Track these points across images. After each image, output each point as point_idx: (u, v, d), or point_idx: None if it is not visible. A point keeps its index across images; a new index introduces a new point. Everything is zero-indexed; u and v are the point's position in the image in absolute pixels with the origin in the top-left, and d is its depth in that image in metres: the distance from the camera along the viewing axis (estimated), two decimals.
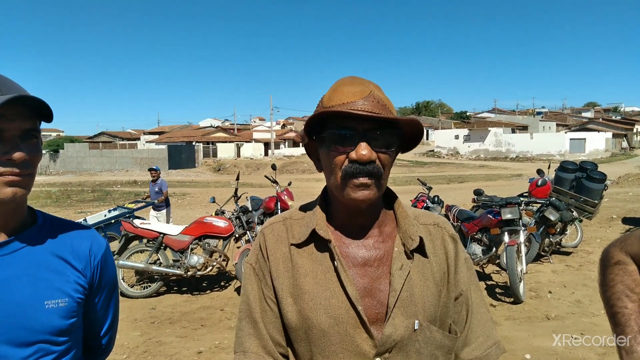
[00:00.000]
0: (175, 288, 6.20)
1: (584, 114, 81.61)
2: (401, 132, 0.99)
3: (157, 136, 60.31)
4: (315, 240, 1.01)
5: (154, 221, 7.90)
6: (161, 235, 5.92)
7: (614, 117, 69.22)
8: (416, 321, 0.95)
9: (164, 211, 9.16)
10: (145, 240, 6.12)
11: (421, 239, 1.01)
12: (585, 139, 44.75)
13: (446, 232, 1.08)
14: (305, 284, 0.98)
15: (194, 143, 46.25)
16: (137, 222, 6.03)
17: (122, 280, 5.87)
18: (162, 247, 5.97)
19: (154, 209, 9.04)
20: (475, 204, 7.42)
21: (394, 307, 0.94)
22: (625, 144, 52.60)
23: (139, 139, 62.17)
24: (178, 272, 5.80)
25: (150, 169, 9.45)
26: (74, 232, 1.11)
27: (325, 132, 0.96)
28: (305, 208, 1.11)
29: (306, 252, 1.02)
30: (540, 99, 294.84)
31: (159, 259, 5.92)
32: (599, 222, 9.86)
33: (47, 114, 1.00)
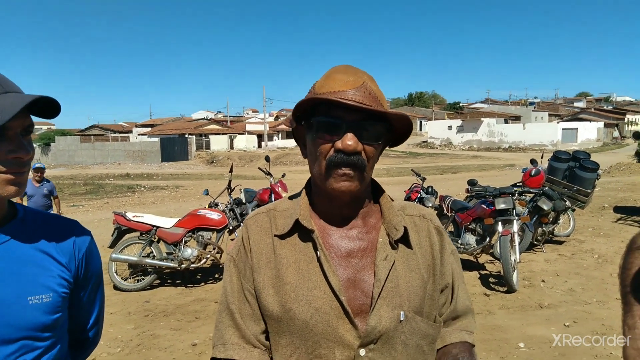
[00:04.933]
0: (169, 281, 6.17)
1: (576, 104, 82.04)
2: (390, 126, 0.98)
3: (149, 129, 59.87)
4: (299, 230, 1.00)
5: None
6: (154, 228, 5.88)
7: (605, 107, 69.59)
8: (402, 312, 0.95)
9: None
10: (138, 233, 6.07)
11: (405, 229, 1.00)
12: (577, 128, 45.00)
13: (432, 223, 1.08)
14: (288, 275, 0.97)
15: (186, 135, 45.95)
16: (129, 214, 5.97)
17: (115, 274, 5.83)
18: (155, 240, 5.93)
19: None
20: (468, 194, 7.44)
21: (378, 298, 0.94)
22: (616, 133, 52.95)
23: (131, 131, 61.64)
24: (172, 264, 5.77)
25: (36, 169, 7.34)
26: (57, 225, 1.08)
27: (313, 119, 0.95)
28: (290, 199, 1.10)
29: (289, 243, 1.01)
30: (532, 89, 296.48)
31: (152, 252, 5.88)
32: (591, 211, 9.93)
33: (41, 110, 0.98)
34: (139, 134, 54.82)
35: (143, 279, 5.87)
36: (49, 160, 44.44)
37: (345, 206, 1.00)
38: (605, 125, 48.26)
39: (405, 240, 1.00)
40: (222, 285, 1.08)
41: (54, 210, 7.53)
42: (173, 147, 41.44)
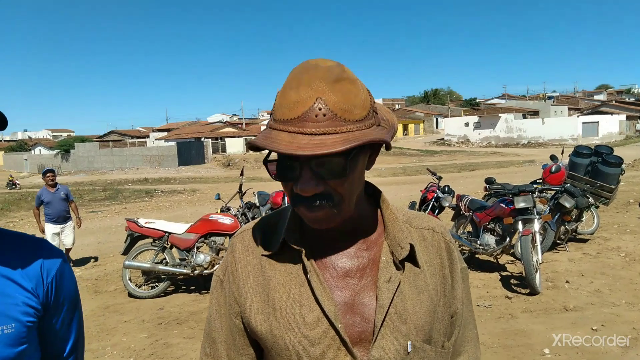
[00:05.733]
0: (183, 287, 6.12)
1: (596, 97, 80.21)
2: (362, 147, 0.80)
3: (166, 133, 60.60)
4: (288, 249, 0.88)
5: (54, 239, 7.17)
6: (166, 234, 5.84)
7: (627, 99, 67.92)
8: (409, 342, 0.83)
9: (68, 226, 7.48)
10: (151, 240, 6.03)
11: (412, 246, 0.87)
12: (598, 122, 43.93)
13: (442, 238, 0.94)
14: (278, 300, 0.86)
15: (202, 139, 46.30)
16: (141, 221, 5.94)
17: (129, 281, 5.80)
18: (168, 246, 5.88)
19: (53, 222, 7.30)
20: (487, 193, 7.23)
21: (381, 327, 0.81)
22: (639, 125, 51.54)
23: (148, 136, 62.50)
24: (185, 271, 5.71)
25: (46, 172, 7.45)
26: (22, 246, 0.98)
27: (265, 160, 0.83)
28: (282, 212, 0.97)
29: (279, 263, 0.89)
30: (551, 83, 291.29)
31: (165, 259, 5.84)
32: (616, 207, 9.60)
33: None
34: (156, 139, 55.52)
35: (157, 286, 5.83)
36: (69, 166, 45.22)
37: (334, 229, 0.87)
38: (628, 117, 46.99)
39: (411, 258, 0.88)
40: (208, 310, 0.98)
41: (72, 216, 7.56)
42: (189, 151, 41.78)
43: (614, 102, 60.19)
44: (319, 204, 0.79)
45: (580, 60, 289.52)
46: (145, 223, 5.90)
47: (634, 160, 19.93)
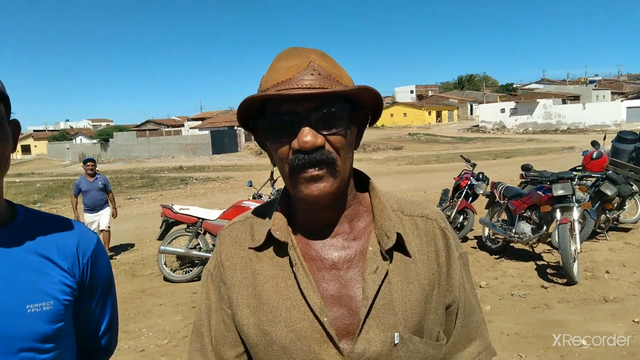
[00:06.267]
0: None
1: None
2: (357, 104, 0.84)
3: (200, 122, 61.67)
4: (275, 242, 0.87)
5: (91, 227, 7.19)
6: (200, 220, 5.96)
7: None
8: (396, 334, 0.80)
9: (104, 210, 7.54)
10: (185, 226, 6.18)
11: (399, 235, 0.84)
12: None
13: (436, 225, 0.91)
14: (265, 293, 0.85)
15: (235, 127, 46.86)
16: (176, 207, 6.09)
17: (164, 265, 5.97)
18: (201, 232, 6.01)
19: (90, 212, 7.42)
20: (523, 180, 7.03)
21: (366, 318, 0.80)
22: None
23: (183, 125, 63.81)
24: None
25: (86, 160, 7.57)
26: (60, 228, 1.01)
27: (261, 122, 0.83)
28: (271, 204, 0.96)
29: (266, 256, 0.88)
30: (593, 66, 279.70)
31: (199, 244, 5.97)
32: None
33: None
34: (190, 128, 56.58)
35: (191, 270, 5.98)
36: (107, 155, 46.77)
37: (326, 209, 0.86)
38: None
39: (401, 247, 0.85)
40: (197, 302, 0.97)
41: (110, 206, 7.73)
42: (223, 140, 42.41)
43: None
44: (318, 171, 0.78)
45: (625, 42, 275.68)
46: (180, 209, 6.04)
47: None
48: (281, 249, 0.86)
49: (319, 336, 0.80)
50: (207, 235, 6.05)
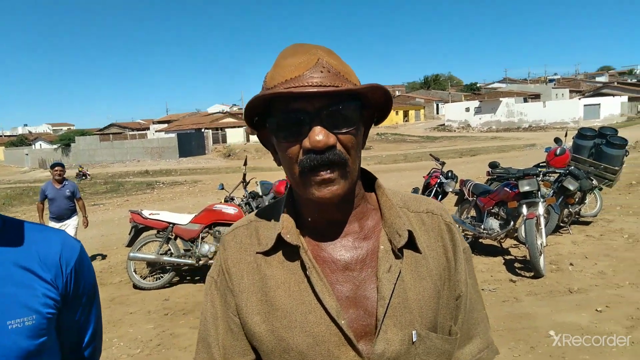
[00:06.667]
0: (187, 278, 6.15)
1: (598, 79, 79.63)
2: (364, 103, 0.82)
3: (166, 125, 60.54)
4: (284, 246, 0.84)
5: None
6: (171, 225, 5.84)
7: (629, 80, 67.41)
8: (414, 331, 0.80)
9: (72, 220, 7.04)
10: (155, 231, 6.04)
11: (410, 233, 0.84)
12: (599, 104, 43.69)
13: (442, 220, 0.91)
14: (277, 299, 0.82)
15: (203, 130, 46.23)
16: (145, 212, 5.95)
17: (134, 273, 5.83)
18: (172, 237, 5.90)
19: (56, 221, 6.89)
20: (490, 177, 7.21)
21: (384, 319, 0.79)
22: None
23: (148, 128, 62.42)
24: (190, 261, 5.73)
25: (54, 165, 7.12)
26: (41, 237, 0.96)
27: (269, 120, 0.80)
28: (274, 206, 0.94)
29: (275, 260, 0.85)
30: (552, 65, 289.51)
31: (170, 249, 5.85)
32: (618, 189, 9.57)
33: None
34: (156, 131, 55.43)
35: (162, 277, 5.85)
36: (69, 160, 45.21)
37: (336, 210, 0.84)
38: (630, 99, 46.67)
39: (411, 244, 0.85)
40: (201, 311, 0.93)
41: (79, 214, 7.35)
42: (190, 142, 41.75)
43: (615, 84, 59.74)
44: (330, 174, 0.77)
45: (582, 42, 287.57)
46: (150, 214, 5.90)
47: (635, 141, 19.83)
48: (292, 252, 0.84)
49: (337, 339, 0.79)
50: (178, 240, 5.94)
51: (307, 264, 0.81)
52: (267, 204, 5.18)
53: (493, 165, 7.02)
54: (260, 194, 7.05)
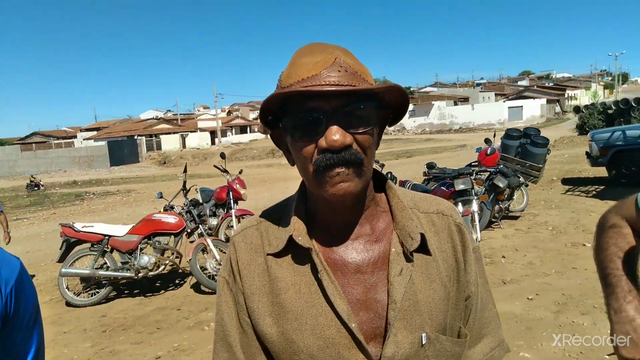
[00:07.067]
0: (126, 292, 5.87)
1: (519, 83, 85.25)
2: (381, 103, 0.81)
3: (95, 132, 57.61)
4: (295, 247, 0.83)
5: None
6: (106, 237, 5.55)
7: (547, 84, 72.77)
8: (423, 334, 0.80)
9: None
10: (89, 245, 5.71)
11: (423, 236, 0.84)
12: (522, 106, 46.76)
13: (452, 221, 0.91)
14: (287, 301, 0.82)
15: (136, 137, 44.42)
16: (78, 225, 5.61)
17: (66, 290, 5.48)
18: (108, 250, 5.61)
19: None
20: (427, 177, 7.50)
21: (395, 322, 0.79)
22: (558, 108, 55.43)
23: (75, 136, 59.04)
24: (128, 274, 5.47)
25: None
26: None
27: (285, 119, 0.79)
28: (283, 205, 0.93)
29: (286, 262, 0.85)
30: (478, 70, 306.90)
31: (105, 263, 5.56)
32: (541, 184, 10.28)
33: None
34: (84, 139, 52.63)
35: (98, 292, 5.55)
36: None
37: (348, 211, 0.84)
38: (548, 101, 50.38)
39: (423, 246, 0.84)
40: (216, 312, 0.92)
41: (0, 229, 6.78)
42: (122, 150, 39.95)
43: (535, 87, 64.31)
44: (345, 170, 0.76)
45: (505, 48, 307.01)
46: (82, 227, 5.57)
47: (554, 140, 21.44)
48: (303, 254, 0.83)
49: (347, 342, 0.79)
50: (115, 253, 5.66)
51: (319, 266, 0.81)
52: (208, 211, 5.06)
53: (430, 165, 7.32)
54: (201, 201, 6.89)
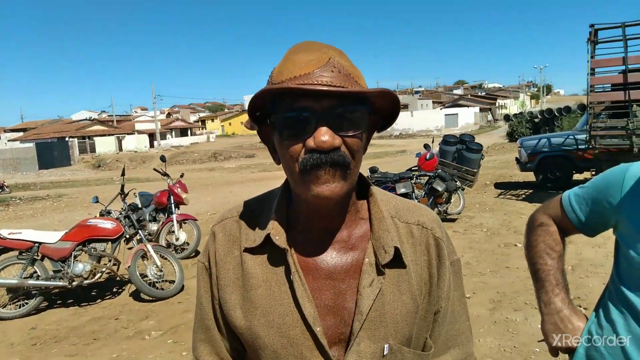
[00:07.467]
0: (59, 302, 5.53)
1: (455, 91, 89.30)
2: (372, 107, 0.80)
3: (21, 133, 53.92)
4: (271, 246, 0.83)
5: None
6: (36, 244, 5.20)
7: (479, 93, 76.73)
8: (386, 345, 0.81)
9: None
10: (17, 252, 5.32)
11: (397, 250, 0.83)
12: (457, 114, 49.09)
13: (432, 234, 0.89)
14: (258, 297, 0.83)
15: (67, 139, 42.02)
16: (4, 232, 5.22)
17: None
18: (38, 258, 5.26)
19: None
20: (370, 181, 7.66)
21: (359, 331, 0.80)
22: (490, 117, 58.60)
23: None
24: (61, 283, 5.16)
25: None
26: None
27: (274, 117, 0.77)
28: (265, 199, 0.92)
29: (261, 259, 0.85)
30: (417, 78, 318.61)
31: (35, 272, 5.21)
32: (476, 188, 10.83)
33: None
34: (9, 140, 49.04)
35: (27, 303, 5.18)
36: None
37: (328, 215, 0.83)
38: (480, 109, 53.26)
39: (397, 259, 0.83)
40: (196, 296, 0.94)
41: None
42: (52, 152, 37.62)
43: (469, 96, 67.64)
44: (331, 171, 0.75)
45: (441, 59, 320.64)
46: (9, 234, 5.19)
47: (487, 147, 22.65)
48: (278, 254, 0.83)
49: (310, 344, 0.80)
50: (46, 260, 5.32)
51: (292, 268, 0.81)
52: (147, 216, 4.90)
53: (372, 170, 7.50)
54: (140, 205, 6.64)
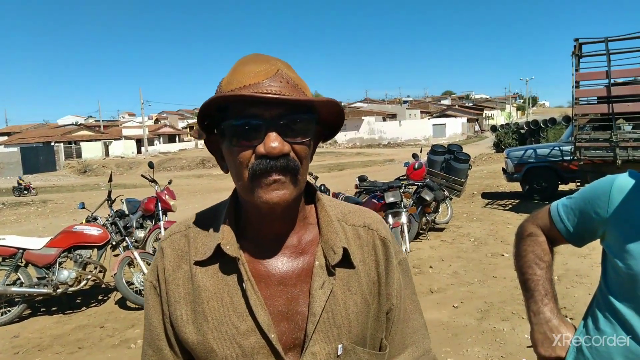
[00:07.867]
0: (42, 309, 5.43)
1: (442, 102, 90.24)
2: (318, 117, 0.83)
3: (6, 137, 53.09)
4: (222, 256, 0.83)
5: None
6: (20, 250, 5.12)
7: (467, 104, 77.61)
8: (339, 345, 0.83)
9: None
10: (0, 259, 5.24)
11: (345, 250, 0.85)
12: (445, 124, 49.48)
13: (377, 235, 0.93)
14: (209, 310, 0.83)
15: (53, 143, 41.49)
16: None
17: None
18: (22, 265, 5.17)
19: None
20: (358, 190, 7.70)
21: (312, 334, 0.81)
22: (477, 127, 59.23)
23: None
24: (45, 290, 5.07)
25: None
26: None
27: (224, 123, 0.78)
28: (214, 211, 0.93)
29: (211, 270, 0.85)
30: (405, 88, 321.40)
31: (19, 279, 5.12)
32: (463, 198, 10.93)
33: None
34: None
35: (9, 311, 5.08)
36: None
37: (278, 221, 0.85)
38: (468, 120, 53.72)
39: (346, 260, 0.86)
40: (144, 316, 0.91)
41: None
42: (37, 157, 37.11)
43: (457, 107, 68.32)
44: (280, 180, 0.77)
45: (429, 69, 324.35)
46: None
47: (474, 157, 22.86)
48: (229, 263, 0.83)
49: (265, 352, 0.80)
50: (30, 267, 5.23)
51: (244, 276, 0.82)
52: (134, 223, 4.86)
53: (361, 178, 7.53)
54: (127, 212, 6.57)
